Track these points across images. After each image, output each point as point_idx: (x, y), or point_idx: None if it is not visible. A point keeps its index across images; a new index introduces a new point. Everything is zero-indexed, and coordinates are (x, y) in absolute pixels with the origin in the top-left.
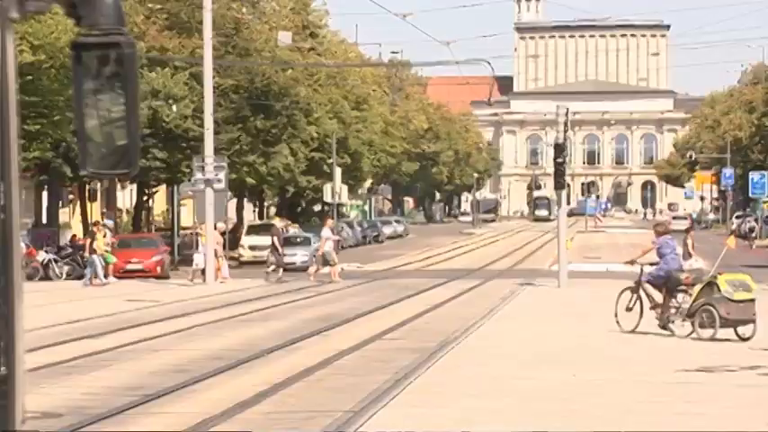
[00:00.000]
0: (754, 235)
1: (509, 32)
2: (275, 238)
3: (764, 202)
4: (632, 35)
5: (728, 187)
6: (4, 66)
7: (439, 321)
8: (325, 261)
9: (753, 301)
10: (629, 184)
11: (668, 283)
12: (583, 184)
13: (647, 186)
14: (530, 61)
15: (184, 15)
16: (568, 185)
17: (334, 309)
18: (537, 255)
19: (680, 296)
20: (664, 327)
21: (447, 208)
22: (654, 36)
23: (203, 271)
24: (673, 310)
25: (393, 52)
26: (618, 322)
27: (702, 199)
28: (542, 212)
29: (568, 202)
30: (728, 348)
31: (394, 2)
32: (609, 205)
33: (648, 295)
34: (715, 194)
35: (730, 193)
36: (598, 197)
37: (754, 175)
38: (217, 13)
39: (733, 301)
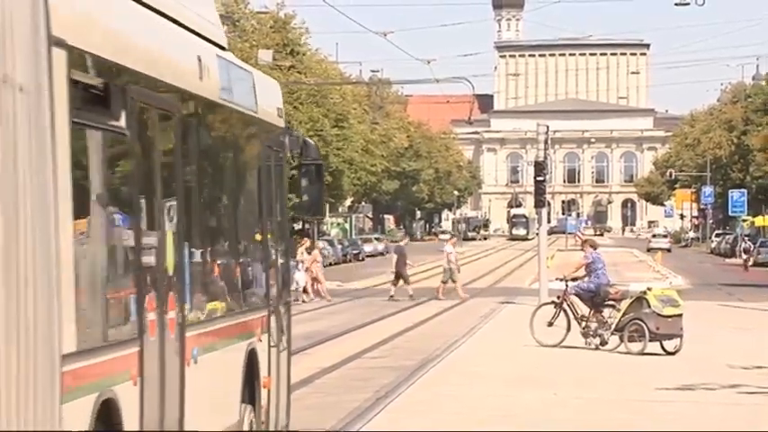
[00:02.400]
0: (748, 257)
1: (489, 51)
2: (402, 258)
3: (744, 221)
4: (612, 54)
5: (708, 205)
6: None
7: (420, 340)
8: (449, 277)
9: (680, 316)
10: (610, 202)
11: (596, 297)
12: (563, 202)
13: (628, 204)
14: (510, 80)
15: None
16: (549, 204)
17: (315, 327)
18: (517, 273)
19: (606, 311)
20: (585, 337)
21: (428, 226)
22: (634, 55)
23: (305, 289)
24: (595, 325)
25: (373, 71)
26: (536, 339)
27: (682, 217)
28: (520, 231)
29: (549, 221)
30: (707, 366)
31: (374, 20)
32: (588, 223)
33: (573, 308)
34: (695, 212)
35: (710, 211)
36: (578, 215)
37: (733, 194)
38: None
39: (662, 316)
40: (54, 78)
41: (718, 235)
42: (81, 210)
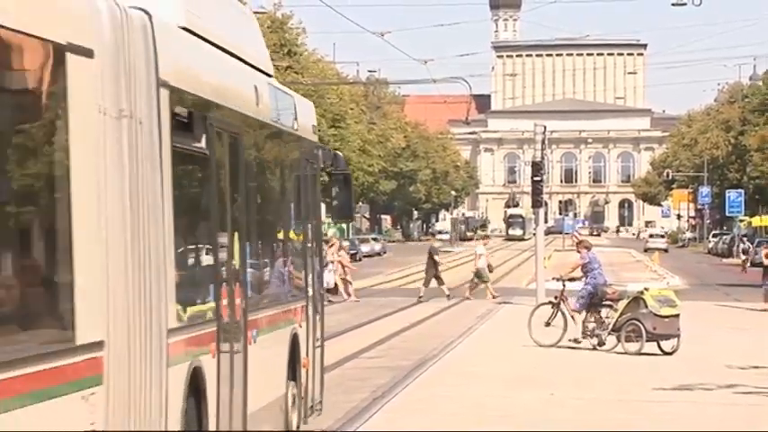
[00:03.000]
0: (746, 258)
1: (486, 51)
2: (436, 257)
3: (741, 221)
4: (609, 54)
5: (705, 206)
6: None
7: (417, 340)
8: (479, 278)
9: (677, 316)
10: (607, 202)
11: (594, 298)
12: (560, 202)
13: (625, 205)
14: (507, 80)
15: None
16: (546, 204)
17: None
18: (514, 273)
19: (604, 311)
20: (584, 337)
21: (425, 226)
22: (631, 55)
23: (332, 289)
24: (592, 325)
25: (371, 71)
26: (534, 339)
27: (679, 217)
28: (516, 231)
29: (546, 221)
30: (704, 367)
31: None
32: (586, 223)
33: (570, 310)
34: (692, 213)
35: (707, 211)
36: (576, 215)
37: (730, 194)
38: None
39: (659, 316)
40: (161, 112)
41: (715, 235)
42: (178, 216)
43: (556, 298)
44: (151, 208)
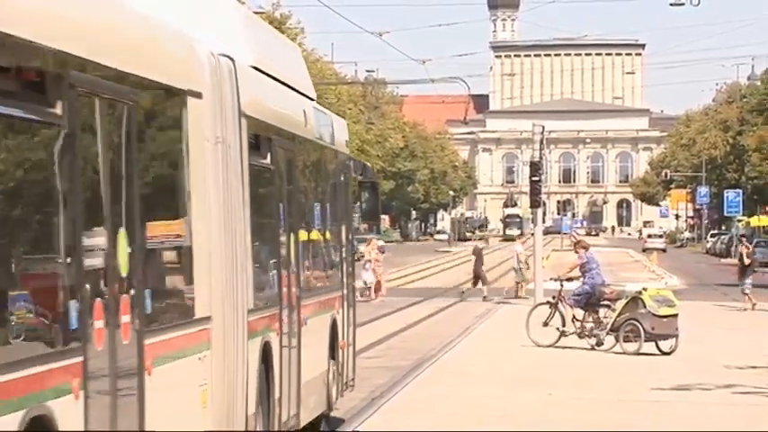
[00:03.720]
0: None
1: (485, 51)
2: (480, 259)
3: (739, 221)
4: (607, 54)
5: (703, 206)
6: None
7: (415, 340)
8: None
9: (676, 316)
10: (605, 202)
11: (591, 298)
12: (558, 202)
13: (623, 204)
14: (505, 80)
15: None
16: (544, 204)
17: None
18: (512, 274)
19: (602, 311)
20: (581, 337)
21: (423, 226)
22: (629, 55)
23: (370, 289)
24: (590, 325)
25: (369, 71)
26: (532, 338)
27: (678, 217)
28: (513, 231)
29: (544, 221)
30: (703, 366)
31: (370, 21)
32: (584, 223)
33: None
34: (690, 213)
35: (705, 211)
36: (574, 215)
37: (729, 194)
38: None
39: (657, 316)
40: (242, 137)
41: (713, 235)
42: (253, 219)
43: (554, 298)
44: (237, 213)
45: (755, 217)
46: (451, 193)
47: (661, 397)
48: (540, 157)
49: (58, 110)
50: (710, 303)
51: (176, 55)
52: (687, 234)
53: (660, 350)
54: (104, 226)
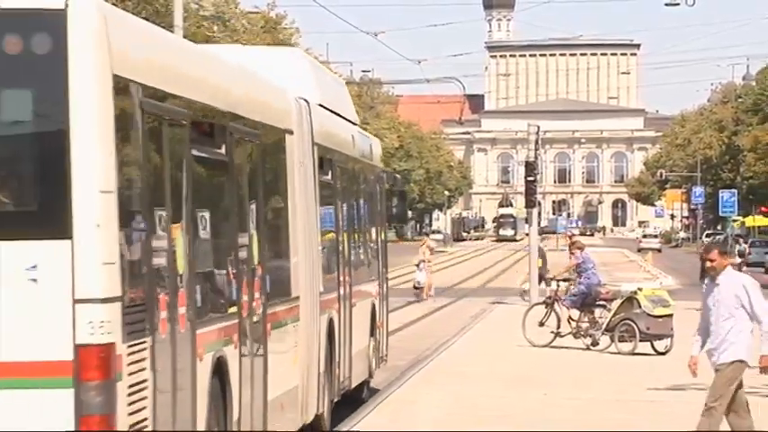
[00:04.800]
0: (743, 261)
1: (480, 51)
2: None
3: (734, 221)
4: (603, 54)
5: (698, 206)
6: None
7: (411, 339)
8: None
9: (671, 316)
10: (600, 202)
11: (587, 298)
12: (554, 202)
13: (618, 205)
14: (500, 80)
15: None
16: (539, 204)
17: None
18: (508, 273)
19: (597, 311)
20: (576, 337)
21: (418, 226)
22: (624, 55)
23: (421, 289)
24: (586, 325)
25: (364, 71)
26: (528, 338)
27: (673, 217)
28: (507, 232)
29: (539, 221)
30: (698, 367)
31: (365, 21)
32: (579, 223)
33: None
34: (685, 213)
35: (700, 211)
36: (569, 215)
37: (724, 194)
38: (188, 30)
39: (652, 316)
40: (314, 160)
41: (708, 235)
42: (322, 223)
43: (549, 298)
44: (312, 218)
45: (750, 217)
46: (447, 193)
47: (657, 397)
48: (536, 157)
49: (223, 149)
50: None
51: (279, 103)
52: (682, 234)
53: (655, 350)
54: (246, 227)
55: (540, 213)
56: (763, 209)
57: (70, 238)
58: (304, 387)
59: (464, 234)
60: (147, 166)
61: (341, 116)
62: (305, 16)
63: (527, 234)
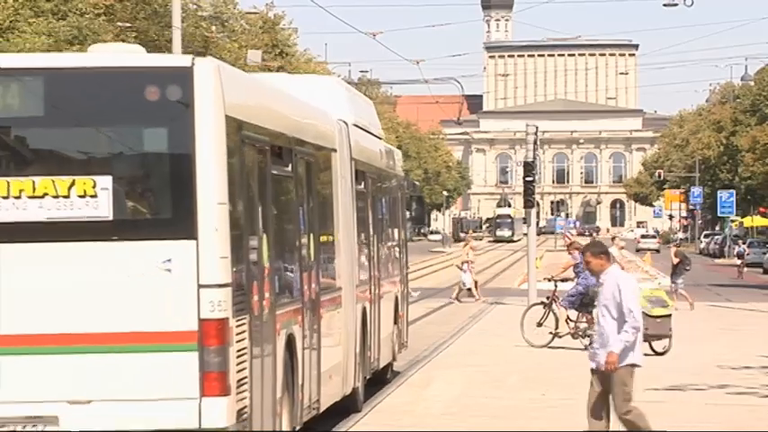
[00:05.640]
0: (742, 262)
1: (478, 52)
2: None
3: (732, 221)
4: (601, 54)
5: (697, 206)
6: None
7: (408, 340)
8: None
9: (669, 316)
10: (599, 202)
11: (585, 298)
12: (552, 202)
13: (617, 205)
14: (499, 80)
15: (154, 34)
16: (538, 204)
17: None
18: (506, 274)
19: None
20: (574, 337)
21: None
22: (622, 55)
23: (469, 290)
24: (584, 325)
25: (362, 71)
26: (526, 339)
27: (671, 218)
28: (504, 233)
29: (537, 221)
30: (696, 367)
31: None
32: (577, 224)
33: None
34: (684, 213)
35: (699, 211)
36: (567, 216)
37: (722, 194)
38: (186, 31)
39: (651, 316)
40: (352, 173)
41: (706, 236)
42: (357, 227)
43: (548, 298)
44: (350, 221)
45: (749, 217)
46: (445, 193)
47: (655, 397)
48: (534, 158)
49: (290, 167)
50: (704, 303)
51: (327, 127)
52: (680, 234)
53: (654, 350)
54: (306, 230)
55: (538, 214)
56: (761, 209)
57: (196, 238)
58: (345, 363)
59: (461, 234)
60: (244, 182)
61: (371, 133)
62: (303, 16)
63: (525, 234)
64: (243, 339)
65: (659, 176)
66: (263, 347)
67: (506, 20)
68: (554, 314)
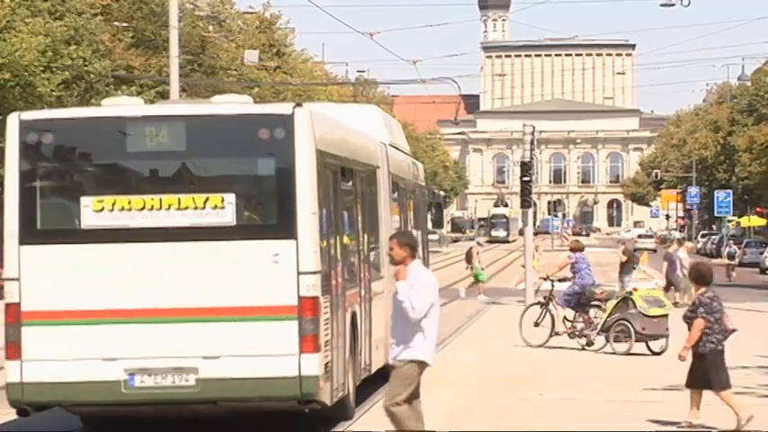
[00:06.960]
0: (731, 263)
1: (475, 52)
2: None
3: (729, 221)
4: (598, 54)
5: (694, 206)
6: None
7: None
8: (676, 284)
9: (666, 316)
10: (596, 202)
11: (582, 298)
12: (549, 202)
13: (613, 205)
14: (496, 80)
15: (150, 33)
16: (535, 204)
17: None
18: (503, 274)
19: (592, 311)
20: (572, 337)
21: None
22: (619, 55)
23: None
24: (581, 325)
25: (359, 71)
26: (524, 338)
27: (668, 218)
28: (499, 233)
29: (535, 221)
30: None
31: (360, 21)
32: (571, 223)
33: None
34: (680, 213)
35: (695, 211)
36: (564, 216)
37: (719, 194)
38: (183, 30)
39: (648, 316)
40: (389, 186)
41: (703, 235)
42: (389, 229)
43: (545, 298)
44: (388, 224)
45: (746, 217)
46: (442, 193)
47: (652, 397)
48: (531, 158)
49: (350, 183)
50: None
51: (372, 148)
52: (677, 234)
53: (651, 350)
54: (361, 230)
55: (535, 214)
56: (758, 209)
57: (296, 238)
58: (385, 338)
59: (458, 234)
60: (326, 196)
61: (401, 150)
62: (300, 16)
63: (521, 234)
64: (326, 313)
65: (656, 176)
66: (338, 320)
67: (503, 20)
68: (551, 314)
